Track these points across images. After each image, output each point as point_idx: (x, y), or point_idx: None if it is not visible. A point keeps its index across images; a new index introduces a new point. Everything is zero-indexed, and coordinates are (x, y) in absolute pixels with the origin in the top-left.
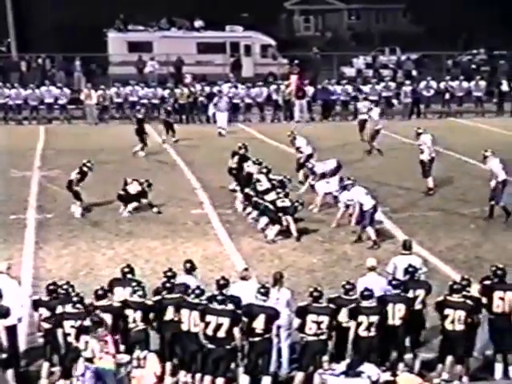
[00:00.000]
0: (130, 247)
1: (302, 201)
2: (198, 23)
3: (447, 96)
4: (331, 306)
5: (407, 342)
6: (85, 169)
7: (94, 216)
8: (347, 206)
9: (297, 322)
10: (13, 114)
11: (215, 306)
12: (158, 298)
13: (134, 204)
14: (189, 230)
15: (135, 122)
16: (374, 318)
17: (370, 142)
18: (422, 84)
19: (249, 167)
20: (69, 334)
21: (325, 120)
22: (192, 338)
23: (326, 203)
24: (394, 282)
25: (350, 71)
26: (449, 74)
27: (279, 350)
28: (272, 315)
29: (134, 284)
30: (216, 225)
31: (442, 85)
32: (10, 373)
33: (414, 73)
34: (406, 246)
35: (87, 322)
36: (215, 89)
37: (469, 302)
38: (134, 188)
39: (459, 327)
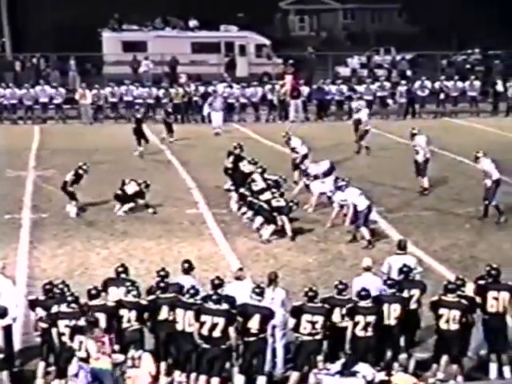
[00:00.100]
0: (125, 247)
1: (297, 200)
2: (192, 23)
3: (442, 96)
4: (326, 305)
5: (402, 341)
6: (80, 171)
7: (89, 216)
8: (341, 206)
9: (292, 321)
10: (7, 113)
11: (210, 305)
12: (152, 297)
13: (131, 204)
14: (184, 230)
15: (134, 121)
16: (371, 318)
17: (358, 141)
18: (417, 84)
19: (244, 167)
20: (63, 334)
21: (320, 120)
22: (187, 338)
23: (320, 203)
24: (388, 282)
25: (344, 71)
26: (443, 73)
27: (274, 350)
28: (267, 315)
29: (127, 284)
30: (211, 224)
31: (437, 85)
32: (4, 373)
33: (409, 73)
34: (401, 246)
35: (82, 322)
36: (210, 88)
37: (463, 301)
38: (131, 188)
39: (454, 327)
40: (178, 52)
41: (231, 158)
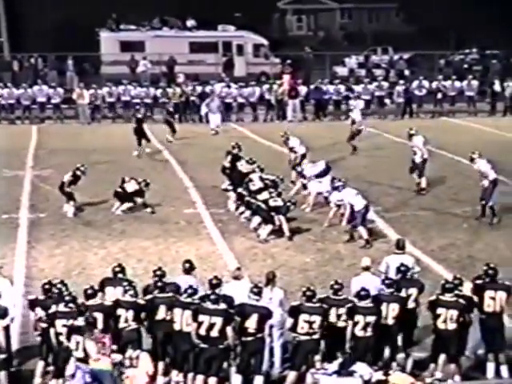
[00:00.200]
0: (123, 247)
1: (295, 200)
2: (190, 22)
3: (439, 95)
4: (324, 305)
5: (399, 341)
6: (78, 173)
7: (87, 215)
8: (339, 206)
9: (289, 321)
10: (5, 113)
11: (208, 305)
12: (149, 297)
13: (129, 204)
14: (181, 230)
15: (134, 121)
16: (371, 318)
17: (349, 140)
18: (415, 83)
19: (242, 166)
20: (61, 334)
21: (317, 119)
22: (184, 338)
23: (318, 203)
24: (386, 282)
25: (342, 71)
26: (441, 73)
27: (271, 350)
28: (265, 315)
29: (125, 284)
30: (209, 224)
31: (435, 84)
32: (2, 373)
33: (407, 72)
34: (399, 246)
35: (79, 322)
36: (207, 88)
37: (461, 301)
38: (131, 186)
39: (451, 326)
40: (175, 52)
41: (229, 158)
